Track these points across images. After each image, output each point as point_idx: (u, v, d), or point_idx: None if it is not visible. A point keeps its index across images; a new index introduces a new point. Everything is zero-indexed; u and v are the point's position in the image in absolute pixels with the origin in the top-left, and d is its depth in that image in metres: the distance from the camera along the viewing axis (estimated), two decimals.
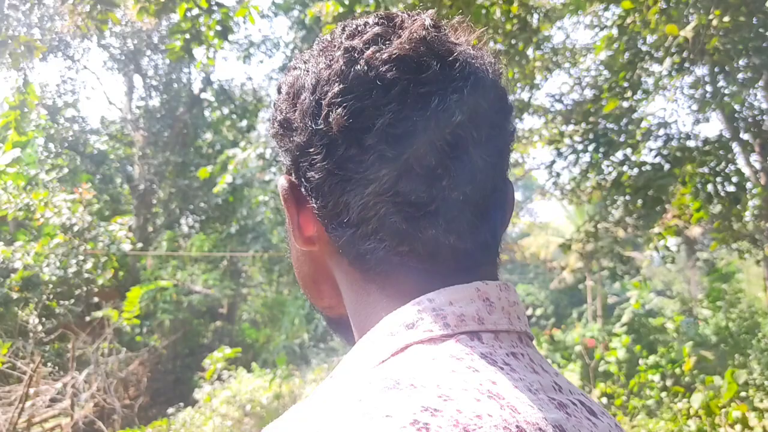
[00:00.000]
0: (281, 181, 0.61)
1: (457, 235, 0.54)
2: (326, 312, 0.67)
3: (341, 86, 0.53)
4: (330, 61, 0.55)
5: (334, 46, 0.57)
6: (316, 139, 0.55)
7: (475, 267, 0.56)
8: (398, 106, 0.52)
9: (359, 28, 0.57)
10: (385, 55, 0.53)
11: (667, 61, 4.84)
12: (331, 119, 0.53)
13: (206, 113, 18.12)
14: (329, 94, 0.54)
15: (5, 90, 15.19)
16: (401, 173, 0.53)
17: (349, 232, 0.55)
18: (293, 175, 0.59)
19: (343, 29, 0.58)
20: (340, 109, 0.53)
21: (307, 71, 0.57)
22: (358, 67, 0.53)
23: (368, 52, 0.54)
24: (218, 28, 5.15)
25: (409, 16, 0.57)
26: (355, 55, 0.54)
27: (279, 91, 0.61)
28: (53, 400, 8.42)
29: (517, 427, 0.43)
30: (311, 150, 0.55)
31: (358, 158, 0.53)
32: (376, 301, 0.55)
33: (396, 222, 0.53)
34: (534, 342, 0.58)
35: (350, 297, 0.59)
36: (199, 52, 5.68)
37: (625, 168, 6.07)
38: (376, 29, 0.56)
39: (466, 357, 0.48)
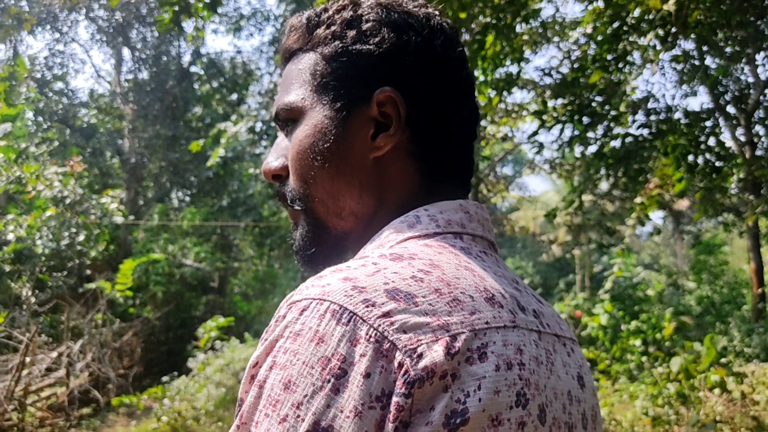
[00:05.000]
0: (382, 95, 0.70)
1: (470, 167, 0.78)
2: (332, 230, 0.74)
3: (445, 36, 0.74)
4: (419, 18, 0.73)
5: (404, 8, 0.74)
6: (441, 62, 0.73)
7: (467, 191, 0.77)
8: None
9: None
10: (451, 28, 0.76)
11: (650, 35, 4.91)
12: (451, 54, 0.73)
13: (196, 86, 18.04)
14: (442, 38, 0.73)
15: None
16: (472, 107, 0.76)
17: (441, 139, 0.73)
18: (396, 91, 0.70)
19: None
20: (456, 49, 0.74)
21: (406, 20, 0.72)
22: (446, 27, 0.74)
23: (441, 21, 0.75)
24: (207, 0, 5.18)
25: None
26: (438, 19, 0.74)
27: (362, 20, 0.72)
28: (49, 370, 8.54)
29: (484, 288, 0.61)
30: (436, 70, 0.72)
31: (457, 85, 0.74)
32: (421, 197, 0.72)
33: (469, 139, 0.76)
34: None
35: (395, 196, 0.72)
36: (188, 24, 5.71)
37: (607, 139, 6.17)
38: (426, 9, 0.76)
39: (450, 247, 0.66)
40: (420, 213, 0.69)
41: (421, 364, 0.51)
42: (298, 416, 0.50)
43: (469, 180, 0.78)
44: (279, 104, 0.75)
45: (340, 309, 0.53)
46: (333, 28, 0.72)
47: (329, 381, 0.50)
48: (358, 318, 0.52)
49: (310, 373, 0.51)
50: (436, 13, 0.75)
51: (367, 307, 0.53)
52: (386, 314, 0.53)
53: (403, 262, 0.59)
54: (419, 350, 0.52)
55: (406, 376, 0.51)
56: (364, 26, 0.71)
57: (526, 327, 0.61)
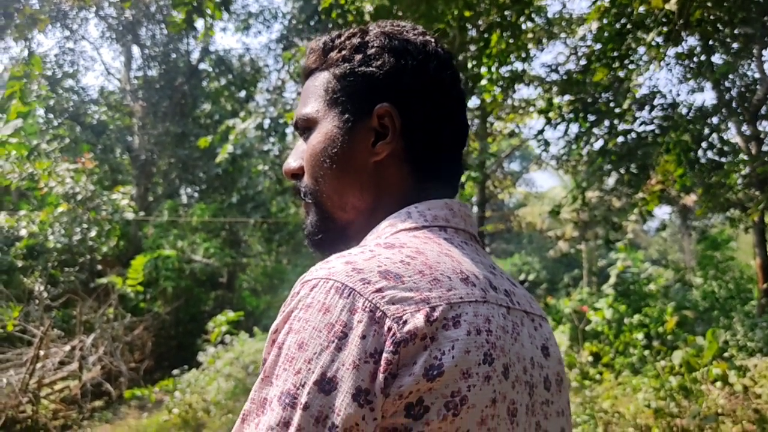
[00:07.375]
0: (381, 109, 0.83)
1: (458, 172, 0.91)
2: (337, 221, 0.87)
3: (439, 60, 0.86)
4: (417, 45, 0.86)
5: (404, 36, 0.86)
6: (434, 82, 0.85)
7: (455, 191, 0.90)
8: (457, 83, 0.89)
9: (412, 30, 0.89)
10: (444, 52, 0.88)
11: (654, 32, 4.97)
12: (443, 76, 0.86)
13: (204, 84, 18.14)
14: (435, 62, 0.86)
15: (7, 61, 15.16)
16: (462, 121, 0.89)
17: (432, 147, 0.85)
18: (393, 106, 0.83)
19: (399, 27, 0.89)
20: (448, 72, 0.87)
21: (405, 46, 0.85)
22: (440, 52, 0.87)
23: (437, 47, 0.87)
24: None
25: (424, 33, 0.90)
26: (433, 45, 0.87)
27: (367, 46, 0.85)
28: (62, 363, 8.69)
29: (461, 270, 0.73)
30: (429, 89, 0.85)
31: (448, 101, 0.87)
32: (413, 196, 0.84)
33: (459, 149, 0.89)
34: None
35: (391, 195, 0.85)
36: (198, 23, 5.79)
37: (611, 136, 6.22)
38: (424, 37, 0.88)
39: (434, 237, 0.79)
40: (411, 210, 0.82)
41: (406, 328, 0.64)
42: (309, 369, 0.63)
43: (458, 182, 0.92)
44: (298, 115, 0.90)
45: (342, 286, 0.66)
46: (343, 52, 0.87)
47: (333, 342, 0.63)
48: (356, 293, 0.65)
49: (319, 335, 0.64)
50: (432, 40, 0.88)
51: (363, 284, 0.66)
52: (379, 290, 0.66)
53: (394, 250, 0.72)
54: (404, 318, 0.65)
55: (393, 337, 0.64)
56: (369, 51, 0.85)
57: (496, 302, 0.74)
